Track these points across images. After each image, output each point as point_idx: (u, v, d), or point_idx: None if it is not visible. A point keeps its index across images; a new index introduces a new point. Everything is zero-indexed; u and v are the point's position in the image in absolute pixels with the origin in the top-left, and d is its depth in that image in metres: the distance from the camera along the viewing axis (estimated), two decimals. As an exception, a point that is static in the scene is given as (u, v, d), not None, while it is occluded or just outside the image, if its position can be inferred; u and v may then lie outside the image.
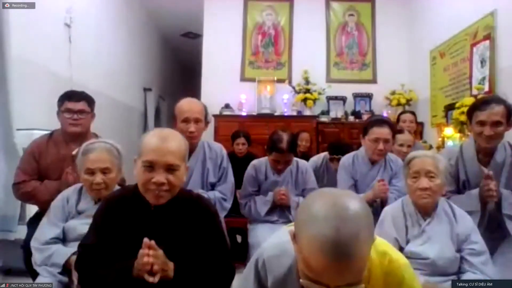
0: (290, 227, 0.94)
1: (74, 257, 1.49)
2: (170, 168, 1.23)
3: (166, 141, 1.24)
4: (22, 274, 1.93)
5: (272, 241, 1.08)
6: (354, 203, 0.80)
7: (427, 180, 1.56)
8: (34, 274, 1.73)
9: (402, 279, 0.97)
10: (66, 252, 1.57)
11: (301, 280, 0.84)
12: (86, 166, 1.64)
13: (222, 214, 2.14)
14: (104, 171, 1.64)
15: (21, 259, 1.87)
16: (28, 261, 1.82)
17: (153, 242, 1.18)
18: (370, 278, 0.94)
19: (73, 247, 1.57)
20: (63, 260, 1.54)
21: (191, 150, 2.09)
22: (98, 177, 1.62)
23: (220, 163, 2.20)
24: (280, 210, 2.33)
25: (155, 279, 1.17)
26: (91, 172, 1.63)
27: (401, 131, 2.79)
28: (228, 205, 2.20)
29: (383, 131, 2.15)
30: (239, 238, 3.19)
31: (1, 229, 2.46)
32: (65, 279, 1.55)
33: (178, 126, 2.07)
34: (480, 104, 1.85)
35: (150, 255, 1.17)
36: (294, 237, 0.86)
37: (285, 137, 2.26)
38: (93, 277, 1.26)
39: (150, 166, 1.22)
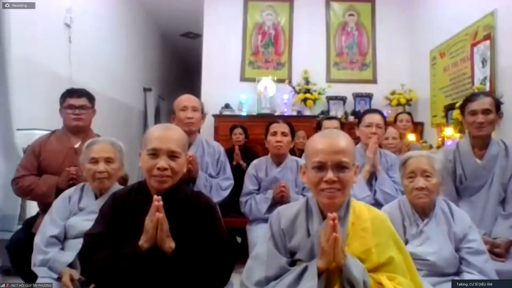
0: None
1: (67, 269, 1.53)
2: (172, 155, 1.34)
3: (169, 130, 1.39)
4: (22, 274, 1.93)
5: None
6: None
7: (423, 180, 1.58)
8: (24, 275, 1.75)
9: (384, 221, 1.26)
10: (64, 260, 1.57)
11: (310, 176, 1.21)
12: (90, 156, 1.71)
13: (219, 198, 2.25)
14: (108, 160, 1.71)
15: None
16: (15, 262, 1.85)
17: (160, 198, 1.23)
18: (360, 218, 1.22)
19: (72, 247, 1.58)
20: (59, 268, 1.55)
21: (190, 141, 2.17)
22: (102, 166, 1.69)
23: (218, 157, 2.36)
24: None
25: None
26: (95, 161, 1.70)
27: (389, 124, 3.11)
28: (225, 193, 2.30)
29: (375, 117, 2.40)
30: (239, 239, 3.19)
31: (1, 229, 2.46)
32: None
33: (177, 115, 2.25)
34: (470, 97, 2.13)
35: (159, 209, 1.21)
36: (304, 169, 1.27)
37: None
38: (98, 261, 1.27)
39: (154, 154, 1.32)
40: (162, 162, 1.31)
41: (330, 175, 1.16)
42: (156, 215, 1.22)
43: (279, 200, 2.30)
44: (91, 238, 1.35)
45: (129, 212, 1.36)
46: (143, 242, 1.25)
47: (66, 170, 1.99)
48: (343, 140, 1.22)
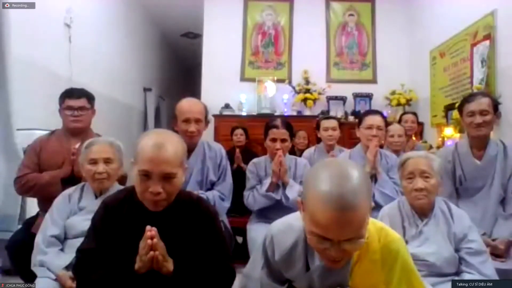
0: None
1: (63, 272, 1.53)
2: (166, 177, 1.21)
3: (162, 149, 1.20)
4: (22, 274, 1.93)
5: (279, 220, 1.21)
6: (354, 167, 0.96)
7: (422, 181, 1.57)
8: (24, 275, 1.74)
9: (397, 252, 1.06)
10: (59, 263, 1.57)
11: (308, 237, 0.97)
12: (89, 157, 1.71)
13: (222, 213, 2.18)
14: (107, 161, 1.71)
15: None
16: (15, 262, 1.84)
17: (154, 229, 1.18)
18: (368, 250, 1.03)
19: (72, 247, 1.57)
20: (55, 271, 1.55)
21: (192, 149, 2.15)
22: (101, 167, 1.69)
23: (220, 162, 2.28)
24: (279, 209, 2.33)
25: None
26: (94, 162, 1.70)
27: (391, 123, 3.08)
28: (227, 204, 2.25)
29: (376, 118, 2.40)
30: (239, 239, 3.19)
31: (1, 229, 2.46)
32: None
33: (179, 126, 2.13)
34: (468, 97, 2.12)
35: (152, 242, 1.17)
36: (302, 204, 0.99)
37: (279, 118, 2.48)
38: (93, 280, 1.25)
39: (146, 175, 1.20)
40: (155, 186, 1.19)
41: (334, 252, 0.93)
42: (148, 242, 1.16)
43: (278, 179, 2.28)
44: (83, 255, 1.30)
45: (122, 224, 1.28)
46: (138, 267, 1.20)
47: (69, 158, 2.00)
48: (357, 212, 0.89)
